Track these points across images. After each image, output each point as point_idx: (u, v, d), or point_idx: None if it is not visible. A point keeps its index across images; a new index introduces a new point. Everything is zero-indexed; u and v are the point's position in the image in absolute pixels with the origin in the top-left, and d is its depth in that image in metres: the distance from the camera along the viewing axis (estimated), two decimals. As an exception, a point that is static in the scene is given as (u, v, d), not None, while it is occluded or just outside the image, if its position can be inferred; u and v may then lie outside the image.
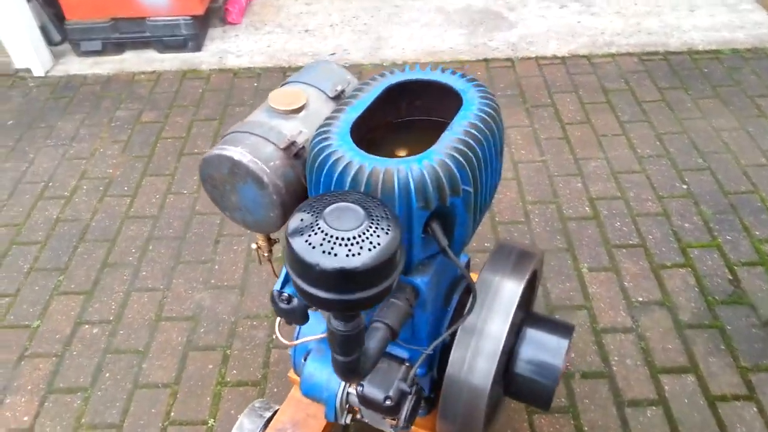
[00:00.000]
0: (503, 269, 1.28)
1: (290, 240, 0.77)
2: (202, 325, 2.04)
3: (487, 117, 1.08)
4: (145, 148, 2.75)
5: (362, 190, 0.98)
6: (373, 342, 1.05)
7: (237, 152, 1.10)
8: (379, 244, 0.76)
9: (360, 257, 0.75)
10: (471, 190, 1.03)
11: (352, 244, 0.75)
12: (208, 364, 1.93)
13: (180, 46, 3.26)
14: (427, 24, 3.43)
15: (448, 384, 1.23)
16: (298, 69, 2.92)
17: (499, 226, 2.29)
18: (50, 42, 3.29)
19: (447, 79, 1.17)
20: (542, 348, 1.32)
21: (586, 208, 2.34)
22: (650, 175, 2.46)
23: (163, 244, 2.31)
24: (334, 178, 1.00)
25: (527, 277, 1.27)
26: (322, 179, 1.02)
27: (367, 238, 0.76)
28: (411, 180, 0.97)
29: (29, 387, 1.90)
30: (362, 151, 1.02)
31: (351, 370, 0.97)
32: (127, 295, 2.14)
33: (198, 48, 3.30)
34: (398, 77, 1.19)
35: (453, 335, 1.21)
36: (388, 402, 1.15)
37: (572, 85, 2.95)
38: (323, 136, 1.06)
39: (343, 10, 3.59)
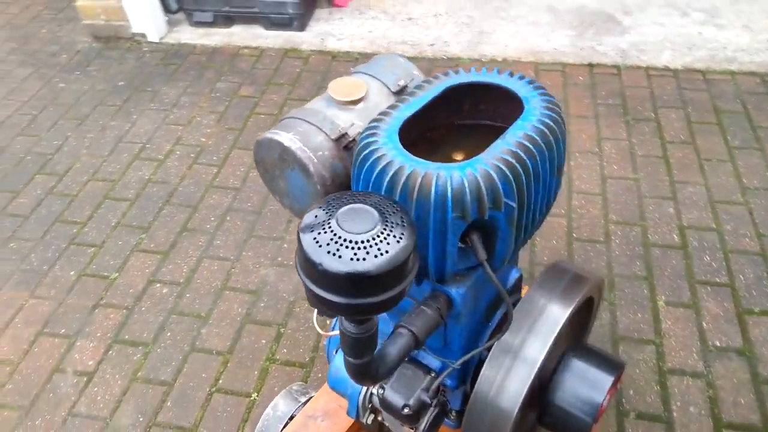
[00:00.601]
0: (552, 291, 1.21)
1: (300, 235, 0.75)
2: (262, 299, 2.08)
3: (545, 129, 1.02)
4: (239, 121, 2.83)
5: (399, 191, 0.95)
6: (393, 348, 1.02)
7: (288, 138, 1.10)
8: (387, 252, 0.73)
9: (364, 263, 0.72)
10: (515, 205, 0.97)
11: (359, 248, 0.72)
12: (261, 339, 1.97)
13: (285, 24, 3.33)
14: (533, 22, 3.31)
15: (474, 401, 1.18)
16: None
17: (575, 243, 2.18)
18: (167, 10, 3.45)
19: (512, 84, 1.11)
20: (584, 381, 1.24)
21: (675, 236, 2.18)
22: (753, 209, 2.25)
23: (240, 217, 2.38)
24: (374, 176, 0.97)
25: (576, 302, 1.19)
26: (362, 175, 1.00)
27: (376, 244, 0.73)
28: (449, 188, 0.93)
29: (98, 334, 2.02)
30: (406, 152, 0.98)
31: (362, 372, 0.95)
32: (199, 261, 2.23)
33: (302, 28, 3.36)
34: (461, 78, 1.14)
35: (487, 351, 1.16)
36: (406, 410, 1.12)
37: (681, 101, 2.75)
38: (371, 131, 1.03)
39: (449, 1, 3.53)
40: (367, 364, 0.93)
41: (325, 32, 3.35)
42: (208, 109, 2.92)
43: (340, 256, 0.72)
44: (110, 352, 1.97)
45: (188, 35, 3.42)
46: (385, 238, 0.74)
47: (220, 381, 1.87)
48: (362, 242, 0.73)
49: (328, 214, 0.76)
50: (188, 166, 2.63)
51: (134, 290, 2.15)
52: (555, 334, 1.14)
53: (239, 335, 1.99)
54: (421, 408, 1.13)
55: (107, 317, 2.07)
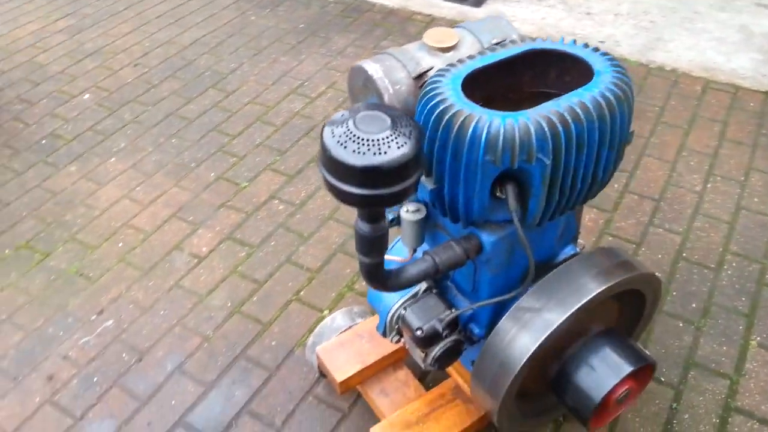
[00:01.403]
0: (591, 268, 1.23)
1: (324, 127, 0.88)
2: (359, 236, 2.24)
3: (602, 102, 1.04)
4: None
5: (443, 126, 1.03)
6: (413, 268, 1.12)
7: (373, 68, 1.22)
8: (386, 152, 0.83)
9: (363, 157, 0.83)
10: (548, 162, 1.01)
11: (362, 144, 0.83)
12: (347, 268, 2.14)
13: (462, -2, 3.44)
14: (719, 38, 3.09)
15: (486, 348, 1.24)
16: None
17: (681, 262, 2.09)
18: (360, -32, 3.69)
19: (592, 58, 1.13)
20: (603, 362, 1.25)
21: (797, 283, 2.00)
22: None
23: (364, 161, 2.55)
24: (426, 110, 1.06)
25: (611, 284, 1.19)
26: (419, 108, 1.09)
27: (379, 144, 0.83)
28: (485, 131, 0.99)
29: (217, 228, 2.31)
30: (462, 95, 1.06)
31: (370, 273, 1.05)
32: (317, 190, 2.44)
33: (478, 4, 3.43)
34: (546, 45, 1.18)
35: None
36: (418, 332, 1.21)
37: None
38: (441, 73, 1.12)
39: (636, 3, 3.41)
40: (374, 266, 1.04)
41: (499, 12, 3.40)
42: (368, 62, 3.11)
43: (345, 148, 0.84)
44: (222, 245, 2.25)
45: (372, -7, 3.64)
46: (388, 142, 0.84)
47: (301, 293, 2.07)
48: (367, 140, 0.84)
49: (351, 116, 0.87)
50: (334, 107, 2.85)
51: (257, 200, 2.41)
52: (577, 305, 1.17)
53: (329, 260, 2.17)
54: (433, 335, 1.22)
55: (228, 217, 2.35)
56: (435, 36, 1.27)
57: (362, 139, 0.84)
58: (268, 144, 2.67)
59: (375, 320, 1.69)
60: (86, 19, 3.59)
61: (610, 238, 2.18)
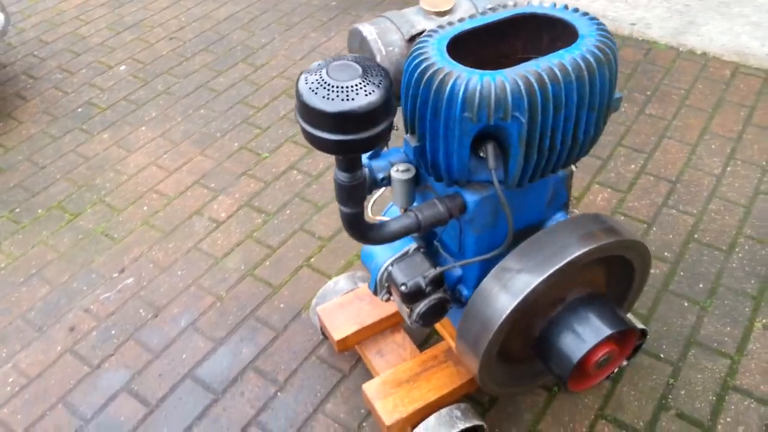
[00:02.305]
0: (574, 230, 1.25)
1: (299, 76, 0.92)
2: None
3: (581, 64, 1.05)
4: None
5: (423, 83, 1.07)
6: (395, 222, 1.16)
7: (368, 29, 1.26)
8: (353, 99, 0.87)
9: (332, 103, 0.88)
10: (524, 120, 1.04)
11: (330, 91, 0.88)
12: (358, 238, 2.19)
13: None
14: (755, 23, 3.01)
15: (470, 305, 1.27)
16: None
17: (692, 242, 2.07)
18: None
19: (579, 22, 1.15)
20: (583, 325, 1.27)
21: (811, 268, 1.96)
22: None
23: (384, 136, 2.59)
24: (410, 68, 1.10)
25: (592, 248, 1.21)
26: (405, 68, 1.13)
27: (348, 91, 0.88)
28: (463, 88, 1.03)
29: (237, 195, 2.39)
30: (445, 55, 1.09)
31: (350, 223, 1.10)
32: (333, 163, 2.49)
33: (509, -15, 3.41)
34: (535, 9, 1.20)
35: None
36: (403, 288, 1.25)
37: None
38: (429, 34, 1.15)
39: (672, -14, 3.34)
40: (353, 216, 1.09)
41: (528, -8, 3.37)
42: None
43: (315, 94, 0.88)
44: (240, 211, 2.33)
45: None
46: (357, 90, 0.88)
47: (312, 260, 2.14)
48: (337, 87, 0.88)
49: (325, 65, 0.92)
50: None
51: (276, 170, 2.48)
52: (557, 267, 1.19)
53: (340, 230, 2.22)
54: (417, 291, 1.26)
55: (248, 185, 2.43)
56: (432, 0, 1.30)
57: (332, 86, 0.89)
58: (291, 117, 2.73)
59: (376, 284, 1.74)
60: (127, -6, 3.72)
61: (622, 217, 2.17)
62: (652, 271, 1.98)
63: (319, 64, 0.93)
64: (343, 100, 0.88)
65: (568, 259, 1.20)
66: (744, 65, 2.78)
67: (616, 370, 1.70)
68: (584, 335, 1.26)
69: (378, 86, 0.91)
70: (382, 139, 0.96)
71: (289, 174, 2.46)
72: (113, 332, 1.98)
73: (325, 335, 1.83)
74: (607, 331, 1.25)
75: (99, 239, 2.28)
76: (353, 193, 1.06)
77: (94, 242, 2.27)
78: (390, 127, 0.97)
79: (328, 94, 0.89)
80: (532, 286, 1.19)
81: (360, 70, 0.91)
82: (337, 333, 1.65)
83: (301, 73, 0.93)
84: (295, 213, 2.30)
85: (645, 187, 2.27)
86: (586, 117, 1.11)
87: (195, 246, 2.22)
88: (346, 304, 1.71)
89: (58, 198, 2.45)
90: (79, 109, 2.89)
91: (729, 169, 2.31)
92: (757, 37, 2.92)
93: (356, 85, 0.89)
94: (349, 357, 1.84)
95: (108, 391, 1.83)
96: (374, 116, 0.91)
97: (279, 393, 1.79)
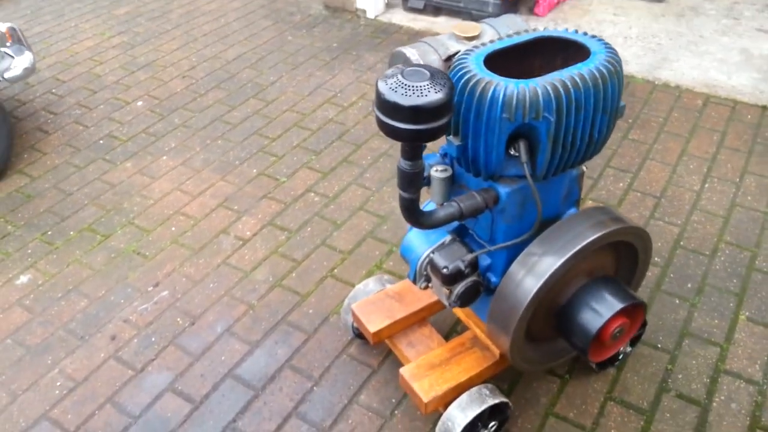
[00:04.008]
0: (588, 219, 1.46)
1: (378, 80, 1.14)
2: (386, 224, 2.49)
3: (596, 74, 1.29)
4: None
5: (468, 91, 1.29)
6: (441, 210, 1.37)
7: (410, 51, 1.49)
8: (426, 95, 1.09)
9: (409, 98, 1.09)
10: (552, 119, 1.26)
11: (408, 89, 1.10)
12: (376, 251, 2.38)
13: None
14: (721, 59, 3.35)
15: (499, 289, 1.47)
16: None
17: (679, 249, 2.30)
18: (389, -6, 4.02)
19: (590, 43, 1.39)
20: (598, 301, 1.47)
21: (785, 269, 2.21)
22: None
23: (391, 162, 2.81)
24: (455, 79, 1.32)
25: (604, 233, 1.43)
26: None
27: (421, 89, 1.09)
28: (502, 93, 1.25)
29: (259, 216, 2.57)
30: (483, 67, 1.32)
31: (407, 208, 1.31)
32: (348, 185, 2.70)
33: (497, 27, 3.72)
34: (551, 33, 1.44)
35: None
36: (444, 270, 1.45)
37: None
38: (466, 53, 1.38)
39: (645, 27, 3.68)
40: (411, 201, 1.29)
41: (515, 34, 3.68)
42: (395, 77, 3.40)
43: (395, 92, 1.10)
44: (264, 229, 2.51)
45: (399, 17, 3.96)
46: (428, 88, 1.10)
47: (335, 271, 2.31)
48: (412, 86, 1.10)
49: (399, 71, 1.13)
50: (364, 115, 3.12)
51: (294, 193, 2.67)
52: (575, 250, 1.40)
53: (360, 244, 2.41)
54: (457, 274, 1.46)
55: (269, 206, 2.62)
56: (462, 27, 1.54)
57: (408, 86, 1.10)
58: (305, 146, 2.95)
59: (402, 285, 1.93)
60: (138, 36, 3.94)
61: (615, 228, 2.40)
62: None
63: (394, 70, 1.14)
64: (417, 96, 1.09)
65: (584, 243, 1.41)
66: (714, 96, 3.09)
67: (621, 357, 1.89)
68: (600, 310, 1.47)
69: (443, 87, 1.12)
70: (443, 131, 1.17)
71: (307, 196, 2.66)
72: (153, 339, 2.12)
73: (356, 333, 2.00)
74: (619, 305, 1.45)
75: (131, 257, 2.43)
76: (414, 180, 1.26)
77: (126, 260, 2.42)
78: (449, 122, 1.18)
79: (406, 92, 1.11)
80: (554, 268, 1.40)
81: (428, 74, 1.12)
82: (372, 326, 1.83)
83: (379, 80, 1.14)
84: (315, 230, 2.49)
85: (633, 202, 2.52)
86: (600, 118, 1.34)
87: (224, 261, 2.38)
88: (377, 302, 1.89)
89: (88, 221, 2.61)
90: (101, 141, 3.06)
91: (707, 185, 2.57)
92: (723, 72, 3.25)
93: (427, 85, 1.10)
94: (377, 354, 2.01)
95: (153, 391, 1.97)
96: (440, 110, 1.13)
97: (315, 387, 1.94)
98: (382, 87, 1.12)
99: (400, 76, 1.12)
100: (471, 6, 3.73)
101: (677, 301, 2.12)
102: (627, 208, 2.49)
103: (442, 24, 3.84)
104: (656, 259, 2.27)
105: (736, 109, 3.00)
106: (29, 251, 2.47)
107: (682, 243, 2.33)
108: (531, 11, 3.88)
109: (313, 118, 3.13)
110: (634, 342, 1.92)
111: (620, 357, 1.90)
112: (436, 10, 3.90)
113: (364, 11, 4.00)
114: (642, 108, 3.03)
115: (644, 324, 1.92)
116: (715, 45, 3.48)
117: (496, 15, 3.65)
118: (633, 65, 3.35)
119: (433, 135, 1.15)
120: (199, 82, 3.47)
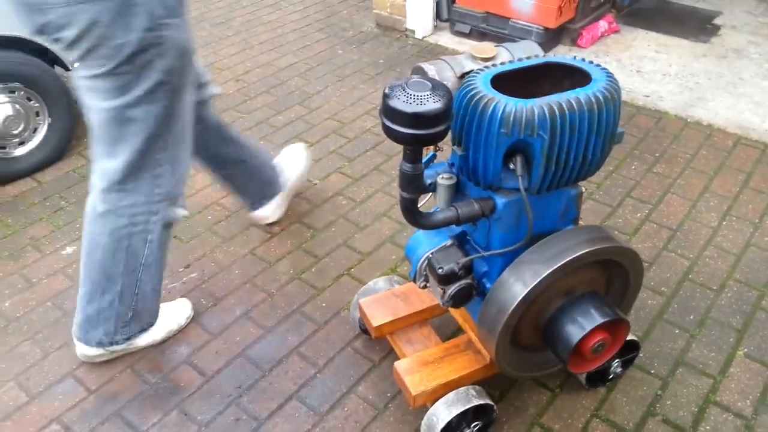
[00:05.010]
0: (579, 236, 1.56)
1: (385, 88, 1.28)
2: (407, 231, 2.61)
3: (592, 99, 1.40)
4: (453, 110, 3.41)
5: (471, 106, 1.41)
6: (441, 214, 1.49)
7: (429, 67, 1.62)
8: (425, 104, 1.23)
9: (410, 106, 1.23)
10: (546, 137, 1.37)
11: (410, 98, 1.23)
12: (393, 255, 2.51)
13: (525, 49, 3.83)
14: (758, 102, 3.37)
15: (489, 294, 1.58)
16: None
17: (686, 281, 2.35)
18: (438, 17, 4.18)
19: (593, 71, 1.50)
20: (581, 314, 1.56)
21: (792, 311, 2.23)
22: None
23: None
24: (461, 95, 1.45)
25: (591, 249, 1.52)
26: (457, 95, 1.48)
27: (422, 99, 1.23)
28: (501, 110, 1.37)
29: (289, 213, 2.73)
30: (490, 87, 1.44)
31: (407, 207, 1.44)
32: (375, 192, 2.84)
33: (539, 56, 3.83)
34: (559, 59, 1.55)
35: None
36: (440, 270, 1.57)
37: None
38: (477, 72, 1.51)
39: (685, 66, 3.72)
40: (410, 201, 1.42)
41: (555, 63, 3.77)
42: (434, 96, 3.54)
43: (399, 99, 1.24)
44: (291, 226, 2.67)
45: (445, 39, 4.10)
46: (427, 99, 1.23)
47: (352, 270, 2.45)
48: (414, 95, 1.23)
49: (404, 81, 1.27)
50: (400, 129, 3.26)
51: (324, 195, 2.83)
52: (562, 262, 1.49)
53: (379, 247, 2.54)
54: (450, 275, 1.57)
55: (298, 205, 2.78)
56: (479, 49, 1.66)
57: (410, 95, 1.24)
58: (340, 152, 3.11)
59: (408, 286, 2.05)
60: (200, 39, 4.20)
61: (626, 256, 2.46)
62: (649, 301, 2.27)
63: (399, 80, 1.28)
64: (418, 104, 1.23)
65: (572, 256, 1.51)
66: (745, 137, 3.12)
67: (612, 377, 1.96)
68: (582, 323, 1.55)
69: (442, 98, 1.25)
70: (441, 137, 1.29)
71: (335, 199, 2.81)
72: (177, 315, 2.29)
73: (362, 328, 2.13)
74: (600, 320, 1.54)
75: (168, 240, 2.62)
76: (413, 181, 1.39)
77: (163, 242, 2.61)
78: (447, 129, 1.31)
79: (408, 100, 1.24)
80: (541, 277, 1.50)
81: (430, 85, 1.26)
82: (375, 321, 1.95)
83: (386, 87, 1.29)
84: (339, 231, 2.63)
85: (648, 232, 2.57)
86: (594, 141, 1.44)
87: (251, 251, 2.55)
88: (383, 299, 2.01)
89: (132, 203, 2.81)
90: (154, 132, 3.28)
91: (725, 223, 2.61)
92: (758, 114, 3.27)
93: (427, 95, 1.24)
94: (380, 350, 2.13)
95: (171, 362, 2.13)
96: (438, 118, 1.26)
97: (318, 374, 2.07)
98: (388, 95, 1.26)
99: (404, 86, 1.26)
100: (515, 34, 3.84)
101: (677, 331, 2.17)
102: (641, 237, 2.55)
103: (487, 49, 3.96)
104: (663, 288, 2.32)
105: (766, 152, 3.02)
106: (77, 226, 2.69)
107: (690, 276, 2.38)
108: (574, 42, 3.96)
109: (352, 127, 3.29)
110: (627, 364, 1.99)
111: (611, 377, 1.96)
112: (482, 35, 4.03)
113: (413, 31, 4.17)
114: (671, 143, 3.08)
115: (638, 347, 1.98)
116: (754, 88, 3.49)
117: (539, 44, 3.77)
118: (668, 101, 3.40)
119: (431, 140, 1.28)
120: (251, 86, 3.68)
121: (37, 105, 2.94)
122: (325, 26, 4.38)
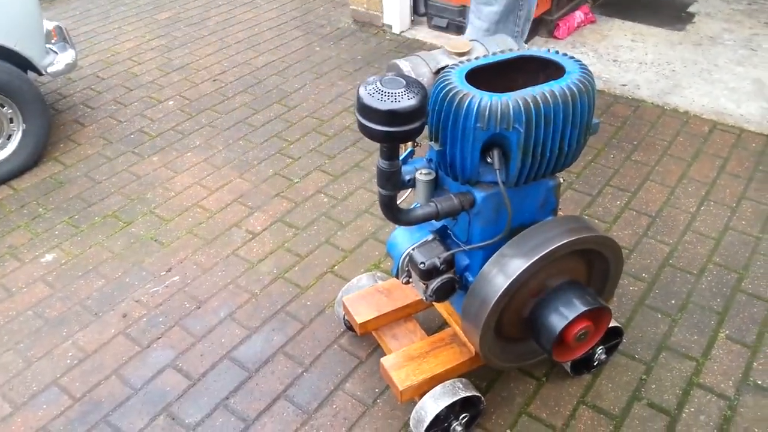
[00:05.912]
0: (559, 226, 1.57)
1: (359, 86, 1.27)
2: (389, 227, 2.60)
3: (567, 92, 1.40)
4: (432, 104, 3.41)
5: (447, 101, 1.41)
6: (420, 210, 1.49)
7: (404, 64, 1.62)
8: (399, 101, 1.22)
9: (384, 103, 1.22)
10: (522, 130, 1.37)
11: (384, 95, 1.23)
12: (376, 251, 2.51)
13: (502, 41, 3.85)
14: (733, 88, 3.41)
15: (472, 287, 1.58)
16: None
17: (667, 266, 2.38)
18: (415, 11, 4.18)
19: (567, 63, 1.50)
20: (564, 303, 1.57)
21: (770, 293, 2.27)
22: None
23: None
24: (437, 91, 1.45)
25: (571, 239, 1.53)
26: (433, 91, 1.48)
27: (396, 96, 1.22)
28: (477, 104, 1.37)
29: (270, 212, 2.72)
30: (464, 81, 1.44)
31: (385, 204, 1.43)
32: (357, 189, 2.83)
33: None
34: (534, 53, 1.56)
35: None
36: (422, 265, 1.57)
37: None
38: (451, 67, 1.51)
39: (661, 54, 3.76)
40: (389, 198, 1.42)
41: (532, 54, 3.79)
42: (413, 90, 3.54)
43: (372, 97, 1.23)
44: (273, 225, 2.66)
45: (423, 34, 4.10)
46: (401, 96, 1.23)
47: (336, 267, 2.45)
48: (388, 92, 1.23)
49: (378, 78, 1.27)
50: (380, 125, 3.26)
51: (305, 193, 2.82)
52: (543, 253, 1.51)
53: (362, 244, 2.54)
54: (432, 269, 1.57)
55: (281, 204, 2.77)
56: (453, 44, 1.67)
57: (384, 92, 1.23)
58: (320, 150, 3.10)
59: (392, 282, 2.05)
60: (176, 40, 4.16)
61: (607, 244, 2.48)
62: (630, 288, 2.29)
63: (374, 78, 1.28)
64: (392, 101, 1.22)
65: (552, 247, 1.52)
66: (721, 123, 3.15)
67: (596, 364, 1.98)
68: (565, 312, 1.56)
69: (416, 94, 1.25)
70: (417, 134, 1.29)
71: (317, 197, 2.80)
72: (161, 319, 2.28)
73: (347, 325, 2.13)
74: (582, 308, 1.55)
75: (149, 243, 2.60)
76: (391, 178, 1.39)
77: (144, 246, 2.59)
78: (423, 126, 1.31)
79: (382, 97, 1.24)
80: (523, 268, 1.51)
81: (404, 82, 1.26)
82: (359, 318, 1.95)
83: (360, 85, 1.28)
84: (321, 229, 2.63)
85: (628, 220, 2.60)
86: (570, 132, 1.45)
87: (233, 252, 2.54)
88: (367, 296, 2.01)
89: (112, 208, 2.79)
90: (132, 136, 3.26)
91: (703, 208, 2.64)
92: (733, 100, 3.31)
93: (402, 92, 1.24)
94: (366, 346, 2.13)
95: (156, 366, 2.12)
96: (412, 115, 1.26)
97: (305, 373, 2.07)
98: (362, 92, 1.26)
99: (378, 84, 1.26)
100: (492, 26, 3.84)
101: (659, 316, 2.20)
102: (621, 225, 2.57)
103: (464, 42, 3.97)
104: (644, 275, 2.35)
105: (741, 137, 3.06)
106: (56, 233, 2.66)
107: (671, 261, 2.40)
108: (551, 34, 3.98)
109: (331, 124, 3.28)
110: (610, 351, 2.01)
111: (596, 364, 1.98)
112: (459, 29, 4.03)
113: (390, 27, 4.16)
114: (648, 131, 3.11)
115: (621, 333, 2.00)
116: (729, 74, 3.54)
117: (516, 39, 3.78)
118: (645, 90, 3.43)
119: (406, 137, 1.28)
120: (228, 85, 3.66)
121: (10, 111, 2.90)
122: (301, 23, 4.36)
